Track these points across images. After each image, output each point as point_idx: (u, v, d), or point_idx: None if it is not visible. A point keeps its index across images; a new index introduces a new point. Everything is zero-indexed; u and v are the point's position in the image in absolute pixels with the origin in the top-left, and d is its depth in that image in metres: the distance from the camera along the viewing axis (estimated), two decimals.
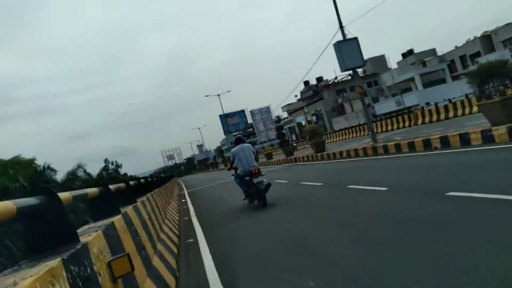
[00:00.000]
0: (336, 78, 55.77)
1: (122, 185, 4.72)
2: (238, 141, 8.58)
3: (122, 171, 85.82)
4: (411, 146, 11.12)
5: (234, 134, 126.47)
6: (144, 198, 5.68)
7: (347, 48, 15.45)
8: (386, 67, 56.89)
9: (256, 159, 9.30)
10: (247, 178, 7.87)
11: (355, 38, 15.63)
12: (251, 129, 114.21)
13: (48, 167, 37.11)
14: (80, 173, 40.01)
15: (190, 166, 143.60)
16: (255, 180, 7.70)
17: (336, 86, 53.47)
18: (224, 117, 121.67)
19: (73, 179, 37.99)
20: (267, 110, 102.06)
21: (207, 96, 52.83)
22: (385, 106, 37.89)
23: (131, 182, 5.61)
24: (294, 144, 36.02)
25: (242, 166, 8.04)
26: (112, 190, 3.71)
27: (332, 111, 51.91)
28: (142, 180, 7.80)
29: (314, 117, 55.22)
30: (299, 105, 68.99)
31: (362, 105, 16.29)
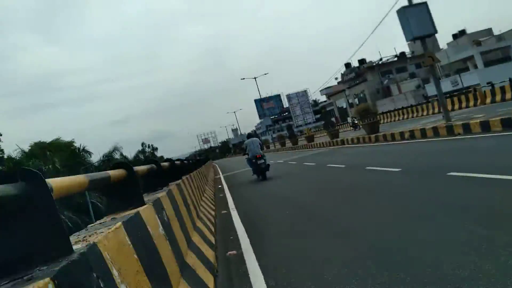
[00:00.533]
0: (381, 59, 52.15)
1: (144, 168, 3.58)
2: (249, 136, 13.20)
3: (158, 154, 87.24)
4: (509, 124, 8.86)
5: (271, 117, 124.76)
6: (171, 187, 4.10)
7: (414, 14, 13.22)
8: (437, 47, 52.28)
9: (262, 148, 12.68)
10: (254, 160, 11.96)
11: (425, 3, 13.33)
12: (286, 113, 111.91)
13: (84, 150, 37.46)
14: (116, 155, 40.42)
15: (225, 149, 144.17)
16: (258, 162, 11.82)
17: (381, 68, 49.94)
18: (260, 102, 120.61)
19: (108, 161, 38.41)
20: (304, 93, 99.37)
21: (243, 79, 49.09)
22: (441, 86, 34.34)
23: (160, 165, 4.16)
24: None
25: (251, 152, 12.05)
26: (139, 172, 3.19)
27: (376, 93, 48.66)
28: (177, 162, 6.30)
29: (356, 100, 52.17)
30: (339, 88, 65.84)
31: (433, 79, 13.95)
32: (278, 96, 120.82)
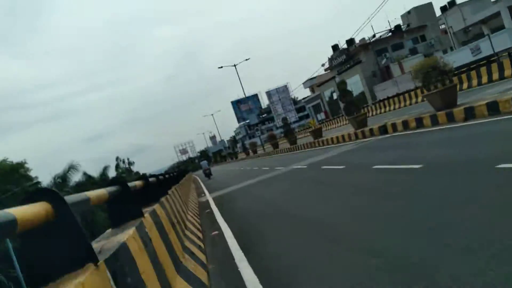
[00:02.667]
0: (374, 36, 46.02)
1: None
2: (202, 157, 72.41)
3: (135, 169, 78.75)
4: None
5: (247, 122, 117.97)
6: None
7: None
8: (434, 17, 46.75)
9: (210, 164, 41.59)
10: (205, 171, 30.26)
11: None
12: (265, 114, 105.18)
13: (22, 175, 30.11)
14: (75, 175, 32.79)
15: (205, 159, 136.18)
16: (206, 171, 30.03)
17: (376, 46, 43.79)
18: (236, 104, 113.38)
19: (63, 182, 30.48)
20: (284, 89, 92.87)
21: (221, 67, 41.78)
22: (458, 56, 28.21)
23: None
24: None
25: (203, 166, 31.82)
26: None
27: (372, 77, 42.38)
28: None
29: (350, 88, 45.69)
30: (326, 78, 59.55)
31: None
32: (255, 96, 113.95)
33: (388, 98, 31.08)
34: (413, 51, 41.58)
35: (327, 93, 56.11)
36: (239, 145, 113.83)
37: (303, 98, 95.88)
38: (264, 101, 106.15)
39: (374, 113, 31.26)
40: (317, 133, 20.07)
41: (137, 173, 74.21)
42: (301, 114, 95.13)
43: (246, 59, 42.45)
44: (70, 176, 30.06)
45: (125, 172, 73.43)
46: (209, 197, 12.24)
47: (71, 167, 29.88)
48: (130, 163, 78.17)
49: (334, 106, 54.88)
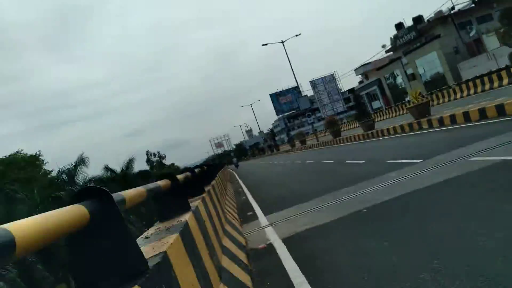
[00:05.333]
0: (453, 8, 37.16)
1: None
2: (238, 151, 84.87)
3: (168, 162, 75.25)
4: None
5: (288, 113, 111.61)
6: None
7: None
8: None
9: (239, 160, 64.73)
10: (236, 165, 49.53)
11: None
12: (307, 107, 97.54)
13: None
14: (88, 168, 28.13)
15: (241, 152, 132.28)
16: (235, 164, 49.79)
17: (457, 18, 35.06)
18: (276, 96, 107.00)
19: (72, 178, 25.78)
20: (331, 78, 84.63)
21: (265, 44, 34.92)
22: None
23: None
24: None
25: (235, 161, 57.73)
26: None
27: (454, 54, 33.83)
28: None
29: (423, 69, 37.49)
30: (382, 62, 51.20)
31: None
32: (296, 88, 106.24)
33: (478, 76, 22.98)
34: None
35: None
36: (282, 136, 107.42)
37: (356, 86, 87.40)
38: (308, 93, 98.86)
39: (457, 96, 23.59)
40: (422, 110, 12.89)
41: (172, 164, 70.26)
42: (350, 104, 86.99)
43: (297, 35, 35.52)
44: (80, 171, 24.64)
45: (157, 166, 69.71)
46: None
47: (81, 161, 24.51)
48: (161, 157, 74.49)
49: (395, 91, 46.63)
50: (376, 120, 27.17)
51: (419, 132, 12.36)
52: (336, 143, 23.49)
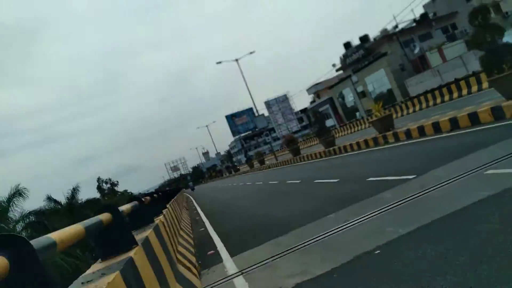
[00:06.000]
0: (396, 26, 39.19)
1: None
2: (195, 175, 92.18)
3: (120, 188, 71.51)
4: None
5: (244, 134, 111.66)
6: None
7: None
8: (464, 3, 40.42)
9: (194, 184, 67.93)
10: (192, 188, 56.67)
11: None
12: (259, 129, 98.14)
13: None
14: (22, 202, 24.85)
15: (198, 175, 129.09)
16: (192, 188, 57.48)
17: (401, 37, 36.89)
18: (231, 117, 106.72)
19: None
20: (284, 98, 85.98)
21: (220, 62, 33.86)
22: None
23: None
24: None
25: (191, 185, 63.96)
26: None
27: (401, 71, 35.32)
28: None
29: (372, 87, 38.66)
30: (332, 82, 52.64)
31: None
32: (251, 109, 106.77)
33: (427, 92, 23.85)
34: (451, 38, 34.77)
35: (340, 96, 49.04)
36: (239, 157, 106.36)
37: (308, 106, 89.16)
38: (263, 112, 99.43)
39: (404, 113, 24.37)
40: (386, 123, 12.46)
41: (123, 192, 66.69)
42: (303, 123, 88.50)
43: (251, 53, 35.00)
44: (15, 204, 21.49)
45: (109, 193, 65.53)
46: None
47: (17, 192, 21.38)
48: (113, 184, 70.84)
49: (346, 109, 47.79)
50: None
51: (386, 146, 11.84)
52: (297, 162, 22.81)
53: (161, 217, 4.55)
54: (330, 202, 6.10)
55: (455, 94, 20.15)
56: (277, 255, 4.09)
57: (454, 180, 4.10)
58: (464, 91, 19.38)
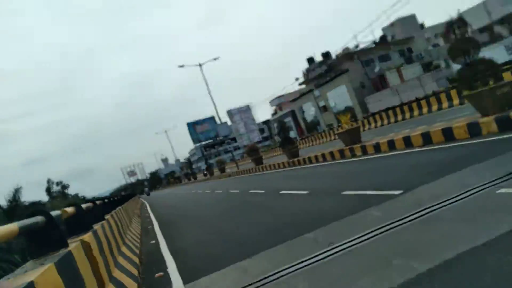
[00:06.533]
0: (357, 46, 40.27)
1: None
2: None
3: (72, 191, 68.52)
4: None
5: (205, 142, 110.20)
6: None
7: None
8: (418, 29, 42.62)
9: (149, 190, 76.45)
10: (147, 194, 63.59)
11: None
12: (222, 137, 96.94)
13: None
14: None
15: (156, 181, 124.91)
16: (147, 193, 63.74)
17: (361, 56, 37.90)
18: (192, 125, 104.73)
19: None
20: (247, 108, 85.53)
21: (182, 66, 32.52)
22: (489, 55, 22.39)
23: None
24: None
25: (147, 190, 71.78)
26: None
27: (362, 88, 36.12)
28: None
29: (333, 102, 39.16)
30: (297, 95, 53.07)
31: None
32: (212, 118, 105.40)
33: (388, 108, 24.41)
34: (408, 61, 36.18)
35: (301, 110, 49.35)
36: (199, 165, 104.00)
37: (269, 118, 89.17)
38: (225, 121, 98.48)
39: (366, 128, 24.78)
40: (353, 136, 12.05)
41: (74, 196, 63.00)
42: (264, 134, 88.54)
43: (215, 59, 34.01)
44: None
45: (59, 196, 61.51)
46: None
47: None
48: (64, 186, 67.03)
49: (307, 123, 48.17)
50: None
51: (352, 159, 11.40)
52: (259, 171, 22.06)
53: (99, 226, 4.16)
54: (302, 217, 5.32)
55: (416, 112, 20.56)
56: (245, 286, 3.19)
57: (460, 199, 3.47)
58: (424, 109, 19.83)
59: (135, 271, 4.97)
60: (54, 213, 2.78)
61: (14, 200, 28.11)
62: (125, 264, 4.87)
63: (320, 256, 3.27)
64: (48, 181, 64.68)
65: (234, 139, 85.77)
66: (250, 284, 3.19)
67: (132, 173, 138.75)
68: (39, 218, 2.45)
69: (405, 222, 3.34)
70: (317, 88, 42.32)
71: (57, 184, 66.58)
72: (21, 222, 2.17)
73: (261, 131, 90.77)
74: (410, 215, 3.48)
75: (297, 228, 4.67)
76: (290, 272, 3.15)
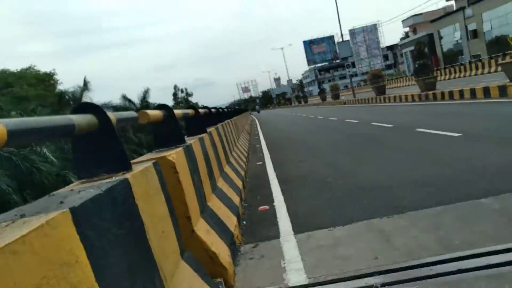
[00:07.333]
0: None
1: None
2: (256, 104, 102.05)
3: (193, 100, 75.19)
4: None
5: (320, 64, 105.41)
6: None
7: None
8: None
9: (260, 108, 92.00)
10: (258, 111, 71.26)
11: None
12: (338, 60, 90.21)
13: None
14: (106, 97, 27.29)
15: (267, 100, 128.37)
16: (258, 111, 71.81)
17: None
18: (309, 44, 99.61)
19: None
20: (372, 28, 76.17)
21: None
22: None
23: None
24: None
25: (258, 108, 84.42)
26: None
27: None
28: None
29: (488, 24, 31.46)
30: (434, 16, 44.37)
31: None
32: (331, 37, 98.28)
33: None
34: None
35: (444, 32, 41.59)
36: (310, 88, 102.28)
37: (390, 46, 78.95)
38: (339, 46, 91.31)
39: None
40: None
41: (196, 103, 69.30)
42: (387, 61, 79.78)
43: None
44: (85, 95, 22.58)
45: (183, 102, 68.47)
46: None
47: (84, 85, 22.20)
48: (188, 94, 74.08)
49: (446, 52, 40.66)
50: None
51: None
52: (380, 102, 19.68)
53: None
54: (462, 170, 3.81)
55: None
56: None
57: None
58: None
59: (240, 183, 4.77)
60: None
61: (144, 100, 31.60)
62: (230, 173, 4.79)
63: None
64: (175, 87, 71.98)
65: (352, 64, 79.85)
66: (400, 269, 2.08)
67: (246, 89, 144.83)
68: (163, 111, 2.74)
69: None
70: (470, 6, 34.36)
71: (182, 91, 73.75)
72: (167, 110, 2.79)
73: (385, 57, 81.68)
74: None
75: (457, 185, 3.27)
76: (470, 269, 1.92)
